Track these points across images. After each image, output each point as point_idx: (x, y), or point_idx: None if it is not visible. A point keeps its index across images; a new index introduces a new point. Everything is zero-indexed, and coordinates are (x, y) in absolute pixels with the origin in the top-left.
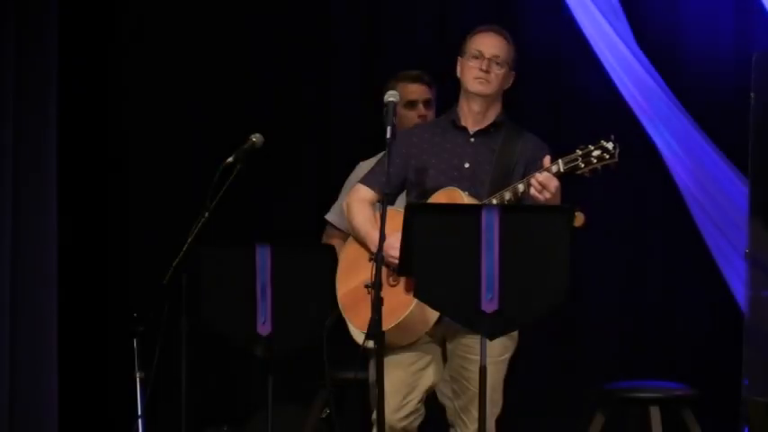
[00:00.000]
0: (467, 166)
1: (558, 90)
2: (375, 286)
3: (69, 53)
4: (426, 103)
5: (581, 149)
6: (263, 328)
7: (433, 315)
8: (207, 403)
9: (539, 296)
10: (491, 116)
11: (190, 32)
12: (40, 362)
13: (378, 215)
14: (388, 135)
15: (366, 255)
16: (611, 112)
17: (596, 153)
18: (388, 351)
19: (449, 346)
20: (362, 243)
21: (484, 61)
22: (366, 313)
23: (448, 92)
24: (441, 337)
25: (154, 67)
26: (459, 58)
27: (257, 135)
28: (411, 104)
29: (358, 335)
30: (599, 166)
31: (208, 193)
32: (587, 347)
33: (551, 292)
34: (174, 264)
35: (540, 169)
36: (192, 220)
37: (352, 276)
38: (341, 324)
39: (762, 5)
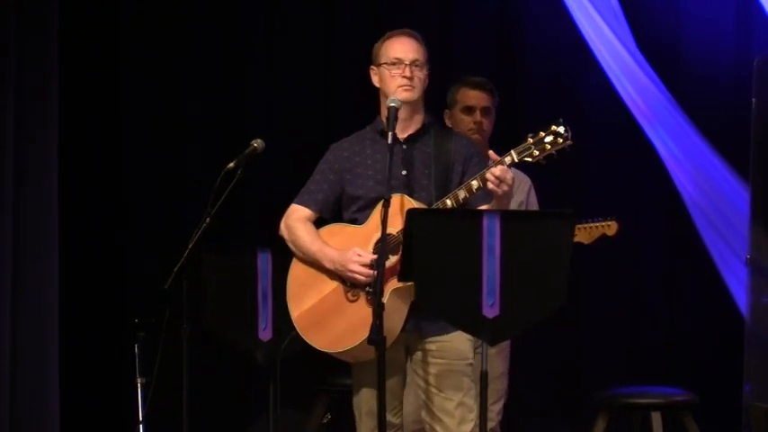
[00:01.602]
0: (404, 173)
1: (557, 93)
2: (376, 292)
3: (71, 54)
4: (484, 110)
5: (532, 137)
6: (264, 333)
7: (398, 324)
8: (208, 409)
9: (539, 301)
10: (418, 120)
11: (190, 34)
12: (41, 367)
13: (320, 232)
14: (390, 141)
15: (317, 273)
16: (611, 116)
17: (549, 138)
18: (356, 369)
19: (412, 352)
20: (313, 262)
21: (406, 68)
22: (330, 331)
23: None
24: (405, 344)
25: (154, 74)
26: (372, 67)
27: (258, 140)
28: (468, 110)
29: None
30: (553, 150)
31: (209, 199)
32: (589, 353)
33: (551, 297)
34: (175, 269)
35: (494, 163)
36: (194, 226)
37: (305, 297)
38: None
39: (763, 11)
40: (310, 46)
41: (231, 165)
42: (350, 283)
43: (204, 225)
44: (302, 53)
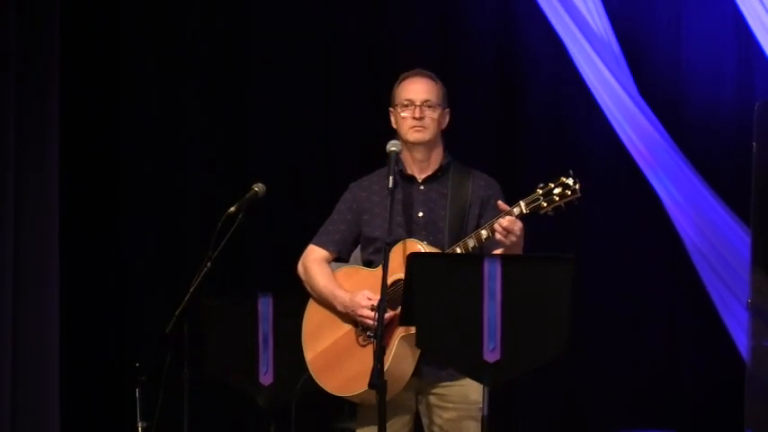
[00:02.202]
0: (420, 215)
1: (559, 138)
2: (378, 336)
3: (73, 59)
4: None
5: (541, 188)
6: (265, 377)
7: (408, 370)
8: None
9: (541, 345)
10: (436, 161)
11: (193, 50)
12: (42, 415)
13: (335, 274)
14: (391, 185)
15: (332, 315)
16: (612, 160)
17: (558, 191)
18: (362, 410)
19: (423, 397)
20: (327, 304)
21: (416, 109)
22: (341, 375)
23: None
24: (415, 389)
25: (155, 108)
26: (390, 109)
27: (259, 185)
28: None
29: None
30: (562, 203)
31: (210, 243)
32: (589, 397)
33: (553, 341)
34: (176, 313)
35: (503, 213)
36: (195, 270)
37: (319, 339)
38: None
39: (764, 56)
40: (311, 51)
41: (232, 209)
42: (361, 327)
43: (205, 269)
44: (303, 58)
